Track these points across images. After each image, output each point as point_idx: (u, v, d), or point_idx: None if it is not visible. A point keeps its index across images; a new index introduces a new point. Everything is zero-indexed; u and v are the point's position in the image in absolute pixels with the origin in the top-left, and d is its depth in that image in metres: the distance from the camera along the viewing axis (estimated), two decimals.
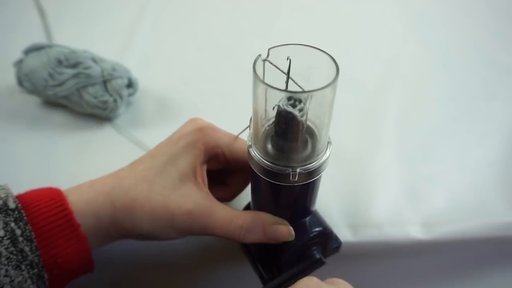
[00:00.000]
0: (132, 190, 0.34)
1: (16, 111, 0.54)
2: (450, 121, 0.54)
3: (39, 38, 0.63)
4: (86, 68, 0.50)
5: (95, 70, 0.50)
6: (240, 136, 0.38)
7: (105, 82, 0.50)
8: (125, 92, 0.52)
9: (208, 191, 0.36)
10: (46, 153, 0.49)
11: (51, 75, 0.50)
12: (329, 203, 0.45)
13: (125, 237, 0.35)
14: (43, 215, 0.32)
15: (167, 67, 0.61)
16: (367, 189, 0.46)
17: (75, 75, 0.50)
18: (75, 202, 0.33)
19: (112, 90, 0.50)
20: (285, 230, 0.35)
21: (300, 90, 0.30)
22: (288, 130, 0.30)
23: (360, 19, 0.70)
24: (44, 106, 0.54)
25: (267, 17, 0.70)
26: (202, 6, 0.72)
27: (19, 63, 0.51)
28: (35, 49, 0.52)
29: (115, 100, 0.51)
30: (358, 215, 0.44)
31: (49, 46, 0.52)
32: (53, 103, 0.54)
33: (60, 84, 0.50)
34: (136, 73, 0.54)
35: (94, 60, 0.52)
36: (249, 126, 0.33)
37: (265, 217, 0.35)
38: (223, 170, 0.40)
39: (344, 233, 0.42)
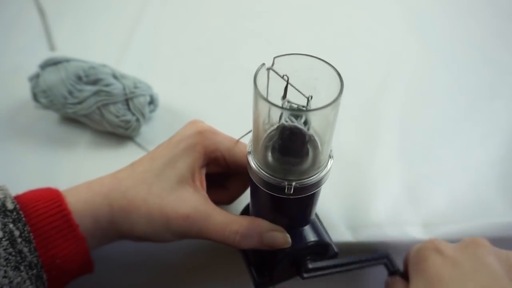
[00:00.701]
0: (129, 191, 0.34)
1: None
2: (451, 121, 0.53)
3: (39, 38, 0.63)
4: (107, 85, 0.48)
5: (117, 87, 0.48)
6: (241, 140, 0.38)
7: (127, 100, 0.48)
8: (147, 110, 0.50)
9: (206, 195, 0.36)
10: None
11: (70, 92, 0.47)
12: (329, 203, 0.44)
13: (123, 238, 0.35)
14: (42, 215, 0.32)
15: (167, 66, 0.61)
16: (368, 189, 0.46)
17: (96, 93, 0.47)
18: (73, 203, 0.33)
19: (135, 109, 0.48)
20: (281, 237, 0.34)
21: (302, 104, 0.29)
22: (288, 145, 0.30)
23: (361, 19, 0.70)
24: (61, 122, 0.52)
25: (267, 17, 0.70)
26: (202, 6, 0.72)
27: (35, 78, 0.49)
28: (52, 63, 0.49)
29: (137, 119, 0.49)
30: (358, 215, 0.44)
31: (67, 61, 0.49)
32: (71, 118, 0.51)
33: (80, 102, 0.48)
34: (137, 73, 0.54)
35: (115, 76, 0.49)
36: (251, 130, 0.33)
37: (262, 224, 0.35)
38: (223, 173, 0.40)
39: (344, 234, 0.42)
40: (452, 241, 0.42)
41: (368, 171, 0.48)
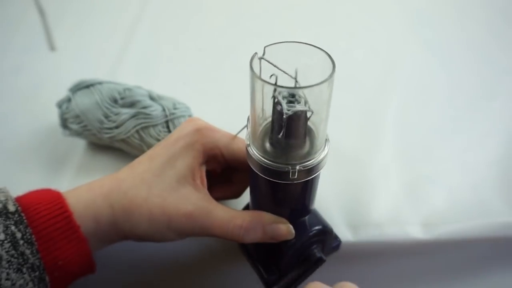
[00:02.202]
0: (130, 192, 0.34)
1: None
2: (450, 120, 0.54)
3: (39, 38, 0.63)
4: (145, 107, 0.45)
5: (156, 109, 0.45)
6: (239, 135, 0.38)
7: (167, 122, 0.45)
8: None
9: (207, 192, 0.36)
10: None
11: (106, 116, 0.45)
12: (329, 203, 0.45)
13: (124, 238, 0.35)
14: (43, 217, 0.32)
15: (167, 66, 0.61)
16: (367, 189, 0.46)
17: (134, 115, 0.45)
18: (74, 204, 0.33)
19: None
20: (285, 229, 0.35)
21: (297, 86, 0.30)
22: (286, 128, 0.30)
23: (360, 19, 0.70)
24: (91, 149, 0.49)
25: (267, 17, 0.70)
26: (202, 6, 0.72)
27: (66, 103, 0.46)
28: (84, 86, 0.46)
29: None
30: (358, 214, 0.44)
31: (99, 83, 0.47)
32: (99, 145, 0.49)
33: (117, 126, 0.45)
34: (137, 73, 0.54)
35: (151, 97, 0.47)
36: (246, 125, 0.33)
37: (264, 216, 0.35)
38: (226, 169, 0.40)
39: (344, 233, 0.42)
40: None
41: (368, 170, 0.48)
